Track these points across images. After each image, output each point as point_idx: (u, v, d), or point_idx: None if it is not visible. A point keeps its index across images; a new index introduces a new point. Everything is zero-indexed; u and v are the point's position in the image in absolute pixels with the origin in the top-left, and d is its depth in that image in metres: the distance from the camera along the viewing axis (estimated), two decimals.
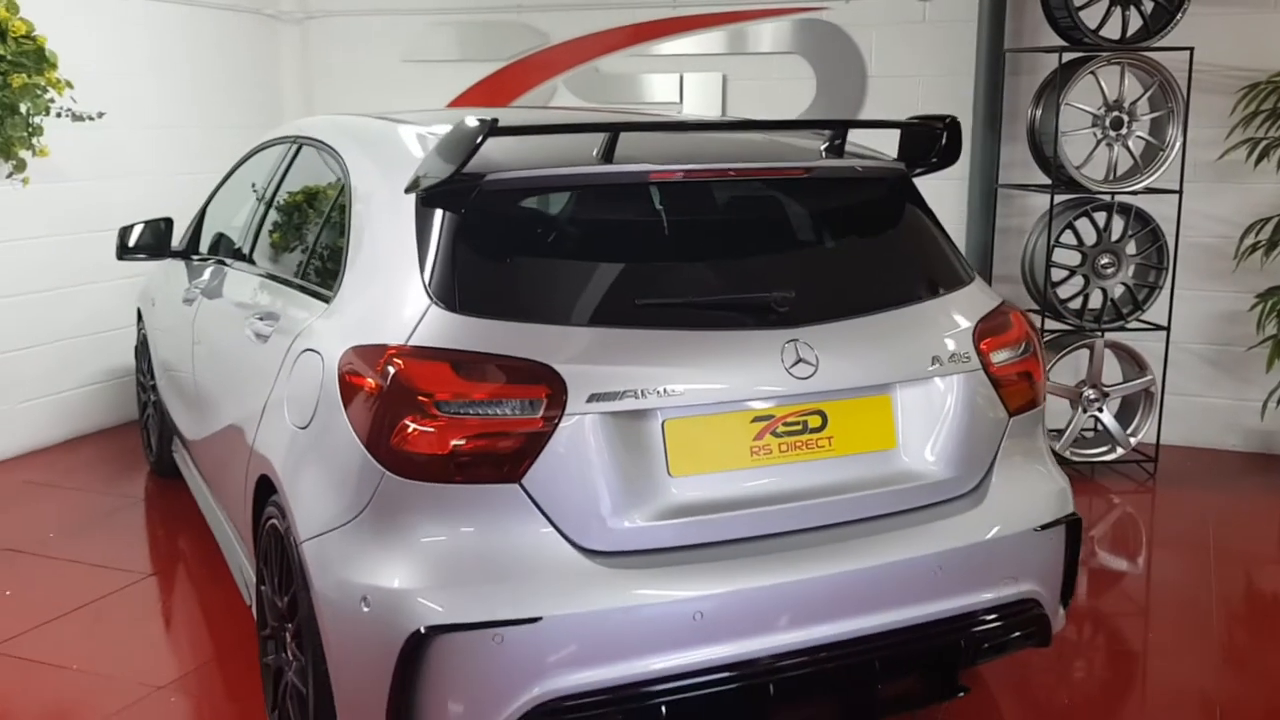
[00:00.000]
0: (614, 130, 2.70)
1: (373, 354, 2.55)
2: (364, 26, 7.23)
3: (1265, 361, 5.33)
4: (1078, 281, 5.51)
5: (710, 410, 2.61)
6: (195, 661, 3.72)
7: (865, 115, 6.27)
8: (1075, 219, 5.44)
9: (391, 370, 2.48)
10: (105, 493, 5.35)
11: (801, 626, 2.57)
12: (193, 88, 6.70)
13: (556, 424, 2.45)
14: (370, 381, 2.52)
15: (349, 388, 2.57)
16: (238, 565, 3.73)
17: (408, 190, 2.73)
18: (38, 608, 4.05)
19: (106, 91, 5.83)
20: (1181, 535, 4.95)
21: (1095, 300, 5.53)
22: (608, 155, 2.73)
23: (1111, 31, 5.32)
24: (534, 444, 2.44)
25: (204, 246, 4.56)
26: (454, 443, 2.42)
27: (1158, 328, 5.50)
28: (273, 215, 3.78)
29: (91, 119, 5.62)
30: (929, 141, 3.18)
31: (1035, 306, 5.61)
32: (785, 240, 3.07)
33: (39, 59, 5.33)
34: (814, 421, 2.70)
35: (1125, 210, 5.40)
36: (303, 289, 3.18)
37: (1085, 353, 5.52)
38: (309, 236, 3.36)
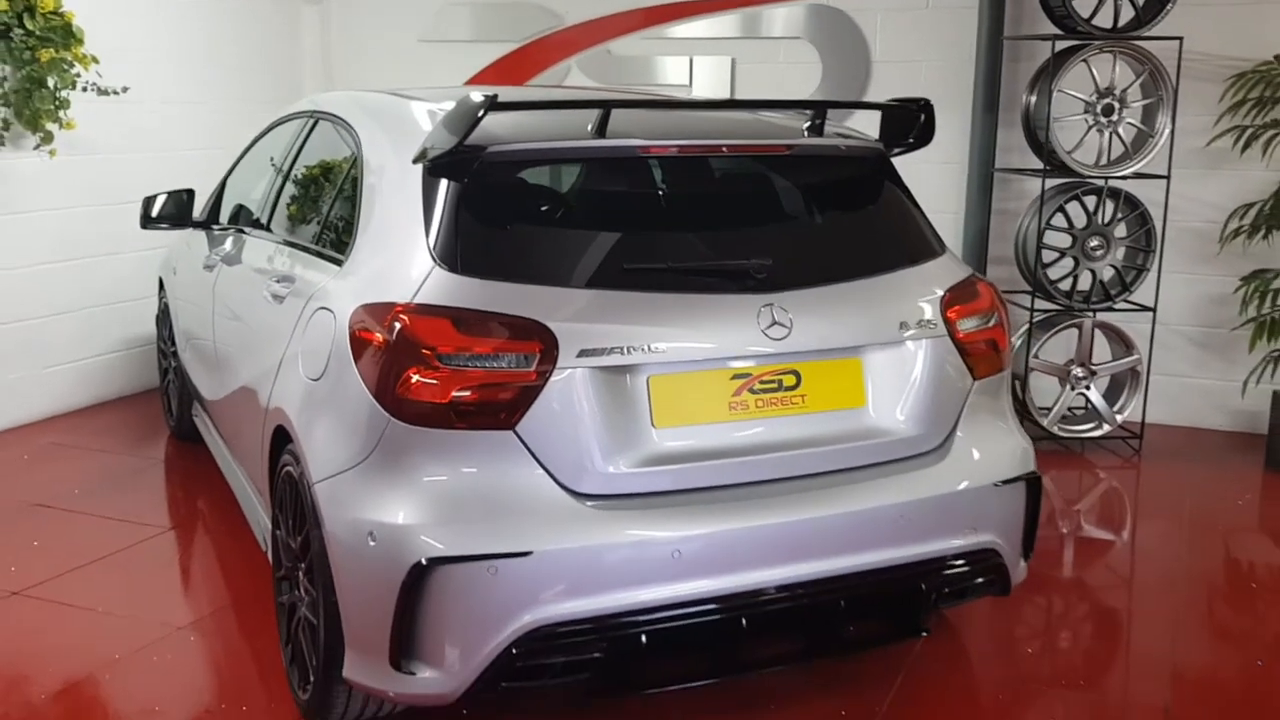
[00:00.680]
0: (606, 107, 2.91)
1: (381, 311, 2.76)
2: (382, 6, 7.44)
3: (1248, 342, 5.51)
4: (1068, 263, 5.68)
5: (691, 367, 2.82)
6: (213, 606, 3.95)
7: (871, 96, 6.45)
8: (1066, 202, 5.61)
9: (398, 325, 2.69)
10: (127, 454, 5.59)
11: (771, 566, 2.78)
12: (214, 65, 6.92)
13: (548, 377, 2.66)
14: (378, 336, 2.73)
15: (359, 342, 2.79)
16: (254, 517, 3.95)
17: (415, 161, 2.94)
18: (64, 557, 4.28)
19: (131, 67, 6.05)
20: (1162, 508, 5.13)
21: (1085, 281, 5.71)
22: (600, 131, 2.93)
23: (1104, 20, 5.48)
24: (527, 395, 2.65)
25: (224, 217, 4.78)
26: (454, 392, 2.63)
27: (1145, 309, 5.67)
28: (290, 186, 4.00)
29: (116, 94, 5.83)
30: (908, 123, 3.36)
31: (1027, 287, 5.78)
32: (766, 212, 3.28)
33: (66, 34, 5.55)
34: (788, 380, 2.91)
35: (1115, 194, 5.57)
36: (317, 254, 3.39)
37: (1074, 332, 5.70)
38: (323, 205, 3.57)
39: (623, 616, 2.67)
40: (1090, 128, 5.57)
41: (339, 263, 3.15)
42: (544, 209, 3.10)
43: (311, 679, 3.02)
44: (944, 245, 3.36)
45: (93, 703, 3.33)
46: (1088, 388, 5.73)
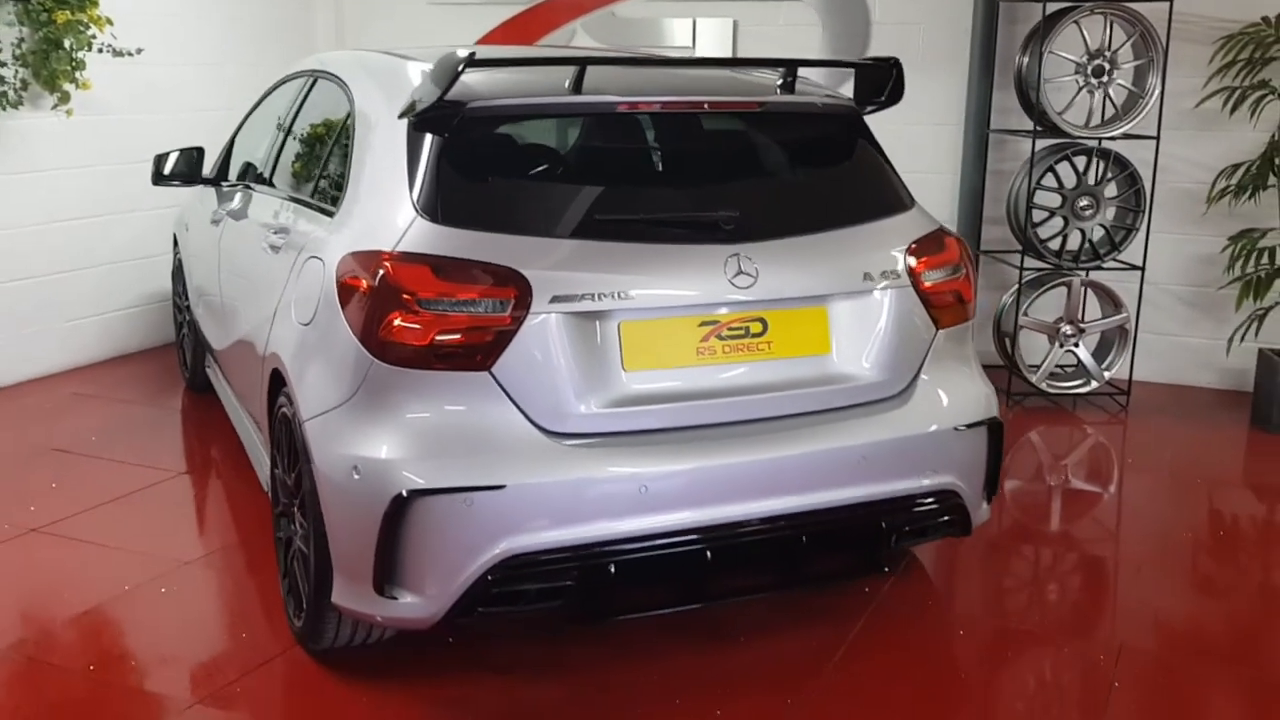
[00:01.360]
0: (582, 64, 3.05)
1: (366, 259, 2.92)
2: None
3: (1234, 301, 5.60)
4: (1058, 223, 5.78)
5: (661, 314, 2.97)
6: (220, 543, 4.16)
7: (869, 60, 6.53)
8: (1056, 163, 5.71)
9: (381, 272, 2.85)
10: (145, 404, 5.81)
11: (733, 503, 2.94)
12: (228, 27, 7.08)
13: (522, 322, 2.82)
14: (364, 282, 2.90)
15: (345, 288, 2.95)
16: (258, 460, 4.14)
17: (400, 116, 3.09)
18: (80, 497, 4.50)
19: (145, 29, 6.21)
20: (1145, 462, 5.26)
21: (1074, 241, 5.81)
22: (576, 87, 3.07)
23: None
24: (502, 338, 2.81)
25: (232, 174, 4.95)
26: (433, 336, 2.79)
27: (1134, 268, 5.78)
28: (290, 142, 4.17)
29: (130, 55, 6.00)
30: (880, 81, 3.48)
31: (1019, 246, 5.89)
32: (737, 166, 3.41)
33: None
34: (755, 327, 3.06)
35: (1105, 155, 5.66)
36: (312, 206, 3.56)
37: (1063, 290, 5.81)
38: (319, 160, 3.74)
39: (591, 547, 2.84)
40: (1081, 89, 5.65)
41: (331, 214, 3.32)
42: (521, 162, 3.25)
43: (304, 606, 3.22)
44: (913, 200, 3.48)
45: (101, 629, 3.54)
46: (1076, 345, 5.85)
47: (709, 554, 2.94)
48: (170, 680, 3.23)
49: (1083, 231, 5.76)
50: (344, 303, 2.94)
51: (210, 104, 6.84)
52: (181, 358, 6.09)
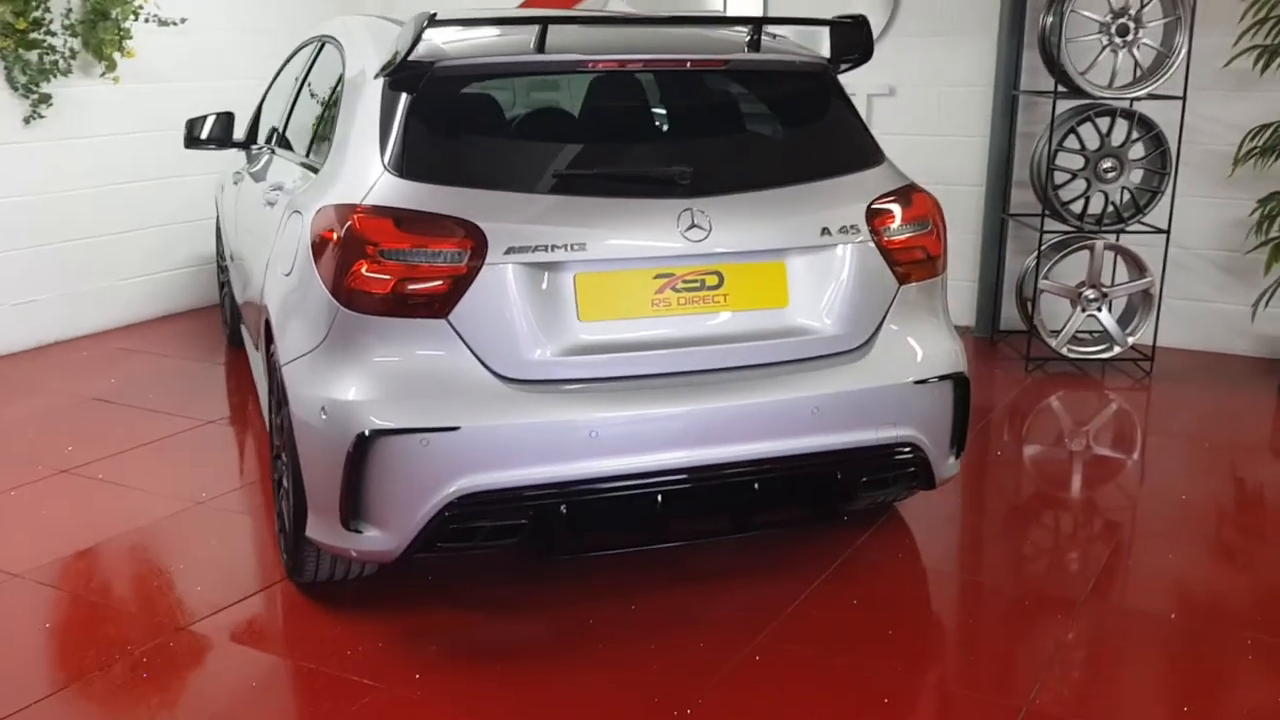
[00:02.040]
0: (544, 23, 3.15)
1: (336, 212, 3.07)
2: None
3: (1263, 265, 5.51)
4: (1081, 185, 5.73)
5: (615, 266, 3.07)
6: (237, 485, 4.39)
7: (900, 22, 6.52)
8: (1078, 124, 5.65)
9: (347, 224, 3.00)
10: (186, 359, 6.08)
11: (682, 449, 3.03)
12: None
13: (478, 272, 2.94)
14: (334, 234, 3.05)
15: (319, 240, 3.11)
16: (267, 408, 4.35)
17: (375, 76, 3.23)
18: (113, 442, 4.77)
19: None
20: (1165, 426, 5.22)
21: (1098, 204, 5.75)
22: (540, 46, 3.17)
23: None
24: (459, 287, 2.94)
25: (259, 137, 5.16)
26: (393, 284, 2.94)
27: (1158, 231, 5.70)
28: (297, 105, 4.35)
29: (175, 24, 6.25)
30: (854, 39, 3.52)
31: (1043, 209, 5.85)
32: (700, 123, 3.48)
33: None
34: (711, 280, 3.14)
35: (1129, 116, 5.59)
36: (303, 164, 3.73)
37: (1086, 254, 5.76)
38: (316, 121, 3.90)
39: (544, 488, 2.97)
40: (1104, 48, 5.58)
41: (316, 170, 3.48)
42: (485, 120, 3.37)
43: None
44: (883, 156, 3.52)
45: (109, 561, 3.79)
46: (1099, 310, 5.80)
47: (659, 498, 3.05)
48: (165, 607, 3.45)
49: (1105, 194, 5.70)
50: (317, 254, 3.10)
51: (254, 71, 7.04)
52: (223, 315, 6.36)
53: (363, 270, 2.96)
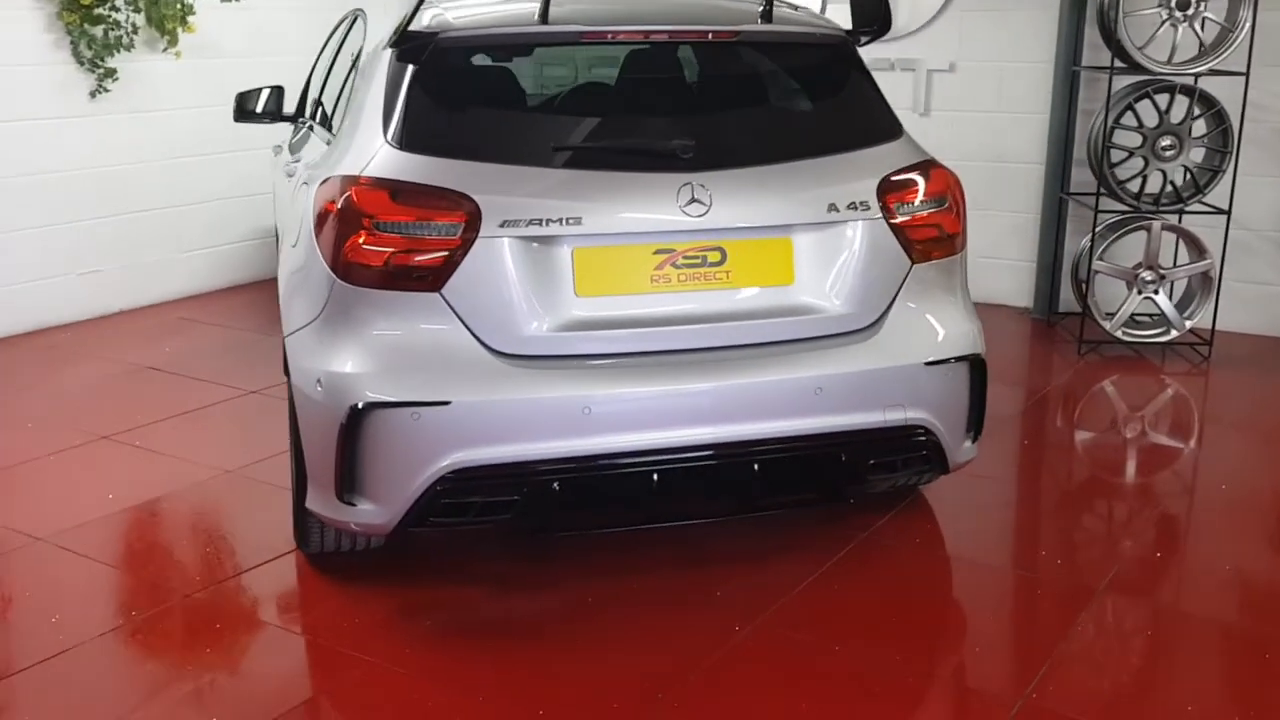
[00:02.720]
0: None
1: (336, 184, 3.09)
2: None
3: None
4: (1138, 164, 5.52)
5: (614, 241, 3.04)
6: (263, 455, 4.46)
7: None
8: (1136, 101, 5.45)
9: (345, 196, 3.02)
10: (242, 330, 6.21)
11: (678, 428, 2.99)
12: None
13: (472, 245, 2.93)
14: (333, 206, 3.07)
15: (321, 212, 3.13)
16: None
17: (384, 48, 3.24)
18: (154, 410, 4.90)
19: None
20: (1224, 415, 5.04)
21: (1155, 183, 5.54)
22: (544, 17, 3.14)
23: None
24: (452, 260, 2.94)
25: (306, 111, 5.23)
26: (387, 257, 2.94)
27: (1219, 211, 5.48)
28: (329, 78, 4.39)
29: (236, 0, 6.36)
30: (874, 11, 3.43)
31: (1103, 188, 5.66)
32: (706, 95, 3.41)
33: None
34: (713, 256, 3.09)
35: (1189, 92, 5.37)
36: (321, 136, 3.76)
37: (1143, 235, 5.56)
38: (340, 93, 3.93)
39: (536, 464, 2.95)
40: (1164, 22, 5.36)
41: (329, 142, 3.50)
42: (488, 92, 3.36)
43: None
44: (901, 130, 3.42)
45: (130, 526, 3.89)
46: (1156, 292, 5.60)
47: (655, 477, 3.01)
48: (175, 573, 3.53)
49: (1164, 173, 5.49)
50: (318, 226, 3.12)
51: (314, 46, 7.12)
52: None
53: (359, 243, 2.97)
